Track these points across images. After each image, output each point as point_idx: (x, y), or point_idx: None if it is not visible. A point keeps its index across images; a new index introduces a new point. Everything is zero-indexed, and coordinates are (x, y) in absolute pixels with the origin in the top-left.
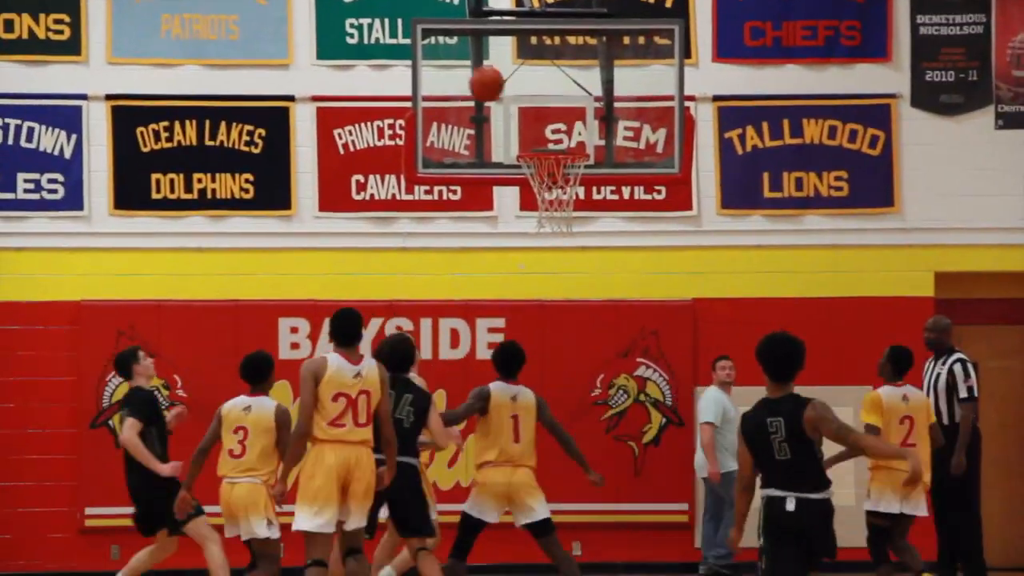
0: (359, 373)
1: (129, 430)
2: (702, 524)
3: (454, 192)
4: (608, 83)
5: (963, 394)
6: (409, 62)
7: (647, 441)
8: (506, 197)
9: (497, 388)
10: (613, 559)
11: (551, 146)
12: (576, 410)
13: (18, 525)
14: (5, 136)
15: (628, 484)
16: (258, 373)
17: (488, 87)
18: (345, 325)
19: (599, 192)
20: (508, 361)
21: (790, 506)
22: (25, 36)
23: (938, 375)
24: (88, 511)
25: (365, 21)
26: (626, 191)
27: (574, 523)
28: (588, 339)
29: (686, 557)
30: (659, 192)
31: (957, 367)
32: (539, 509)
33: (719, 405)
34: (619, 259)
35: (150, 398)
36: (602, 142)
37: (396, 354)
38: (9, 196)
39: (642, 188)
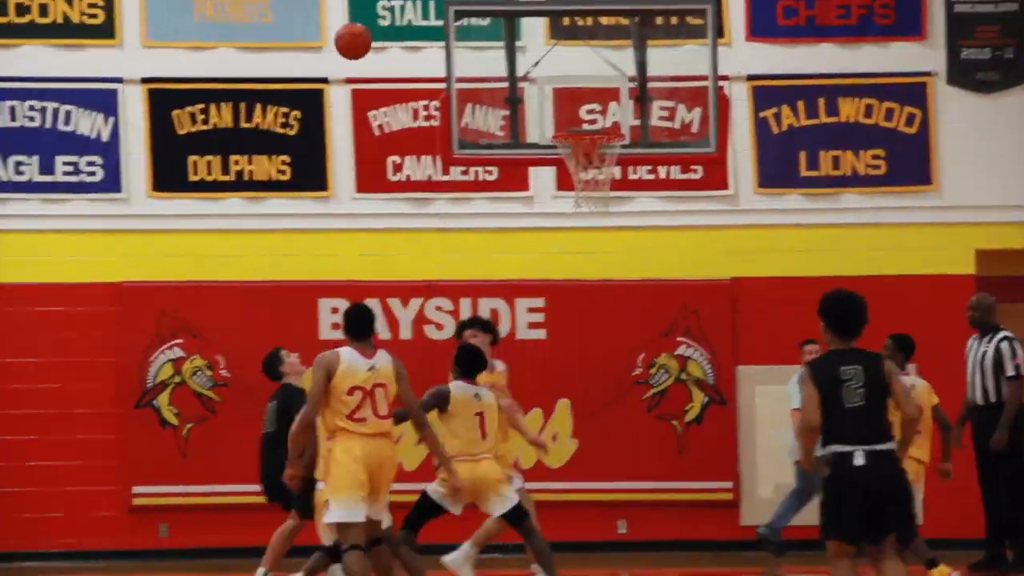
0: (373, 367)
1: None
2: (784, 496)
3: (490, 173)
4: (641, 63)
5: (1010, 372)
6: (442, 43)
7: (689, 420)
8: (542, 177)
9: (457, 387)
10: (658, 537)
11: (586, 126)
12: (617, 389)
13: (67, 504)
14: (43, 119)
15: (671, 463)
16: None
17: (352, 45)
18: (358, 320)
19: (635, 172)
20: (470, 362)
21: (859, 460)
22: (60, 20)
23: (984, 353)
24: (135, 490)
25: (397, 3)
26: (662, 171)
27: (619, 501)
28: (628, 318)
29: (731, 535)
30: (695, 171)
31: (1004, 345)
32: (503, 502)
33: None
34: (657, 238)
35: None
36: (637, 122)
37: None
38: (48, 179)
39: (678, 168)
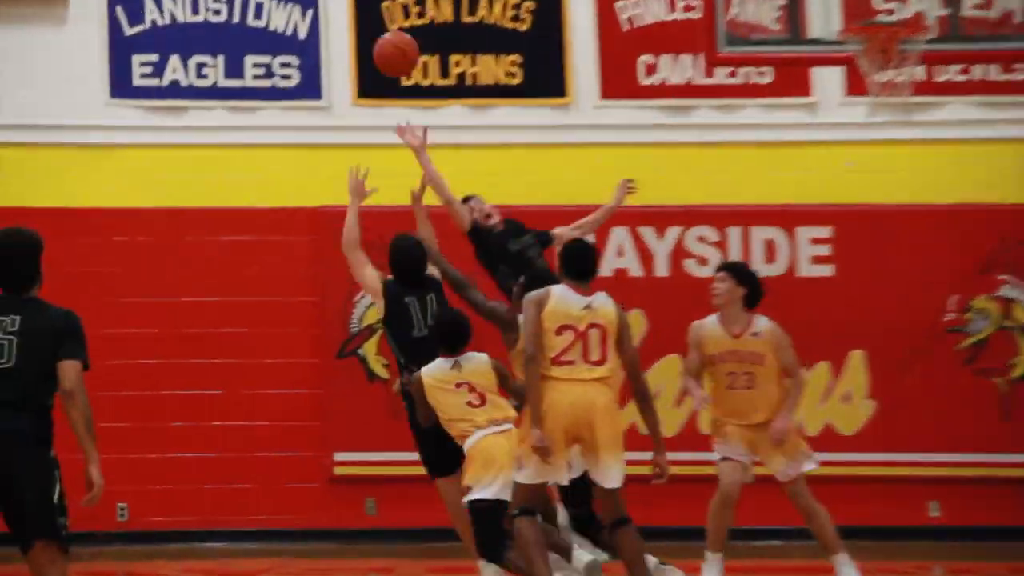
0: (589, 305)
1: None
2: None
3: (764, 75)
4: None
5: None
6: None
7: (1017, 376)
8: (828, 80)
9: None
10: (979, 522)
11: (882, 18)
12: (924, 339)
13: (256, 473)
14: (230, 13)
15: (994, 430)
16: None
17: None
18: (575, 257)
19: (943, 73)
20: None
21: None
22: None
23: None
24: (338, 457)
25: None
26: (977, 71)
27: (928, 478)
28: (936, 252)
29: None
30: (1019, 72)
31: None
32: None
33: None
34: (971, 153)
35: None
36: (945, 11)
37: (408, 259)
38: (236, 83)
39: (996, 67)
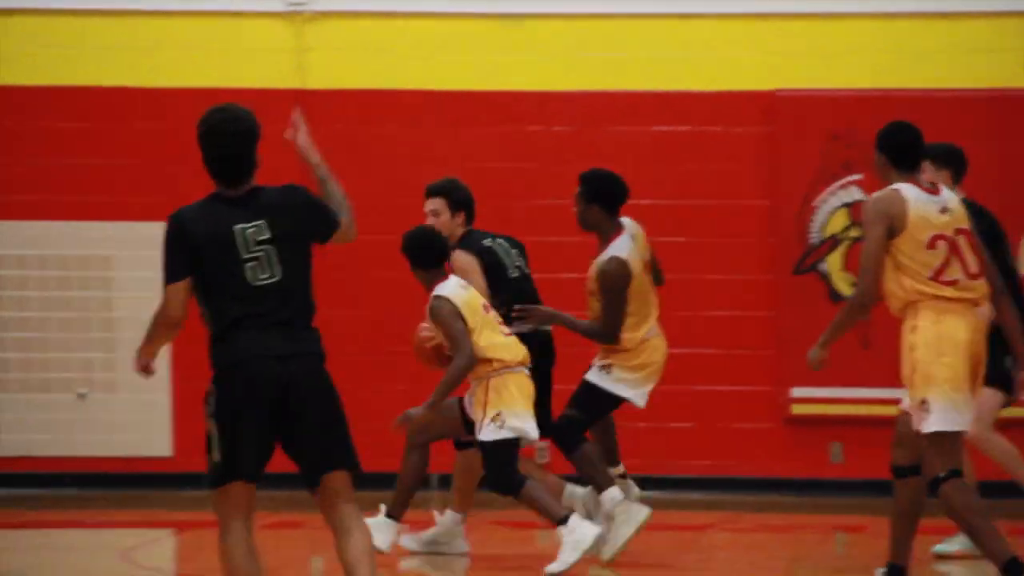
0: (945, 207)
1: None
2: None
3: None
4: None
5: None
6: None
7: None
8: None
9: None
10: None
11: None
12: None
13: (698, 411)
14: None
15: None
16: None
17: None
18: (900, 135)
19: None
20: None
21: None
22: None
23: None
24: (795, 392)
25: None
26: None
27: None
28: None
29: None
30: None
31: None
32: None
33: None
34: None
35: None
36: None
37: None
38: None
39: None
